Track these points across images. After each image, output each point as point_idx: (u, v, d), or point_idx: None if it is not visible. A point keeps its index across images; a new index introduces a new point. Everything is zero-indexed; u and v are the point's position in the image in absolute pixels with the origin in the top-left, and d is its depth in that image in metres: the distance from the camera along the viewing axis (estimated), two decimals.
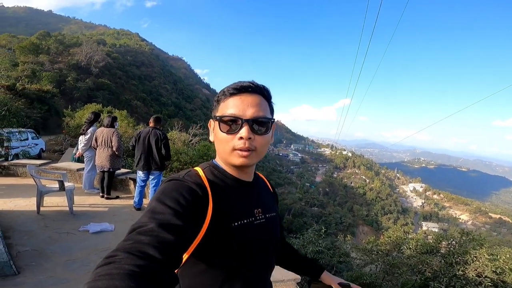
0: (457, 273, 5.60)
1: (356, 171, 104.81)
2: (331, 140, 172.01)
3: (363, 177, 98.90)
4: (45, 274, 2.69)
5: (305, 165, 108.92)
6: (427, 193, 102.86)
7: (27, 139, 11.85)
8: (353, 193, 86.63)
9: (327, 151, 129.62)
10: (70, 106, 23.22)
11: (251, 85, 0.80)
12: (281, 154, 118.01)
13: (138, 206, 4.86)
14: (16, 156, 10.56)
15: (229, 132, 0.77)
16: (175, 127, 21.47)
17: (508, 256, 7.00)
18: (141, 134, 4.82)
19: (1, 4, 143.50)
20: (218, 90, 0.89)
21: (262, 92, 0.82)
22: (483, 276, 5.83)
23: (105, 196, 5.27)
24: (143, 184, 4.85)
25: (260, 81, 0.83)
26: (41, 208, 4.52)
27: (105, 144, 5.10)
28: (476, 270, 6.03)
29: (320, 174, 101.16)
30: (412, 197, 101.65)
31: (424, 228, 76.02)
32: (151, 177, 4.86)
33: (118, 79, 49.57)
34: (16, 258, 2.95)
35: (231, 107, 0.78)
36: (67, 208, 4.42)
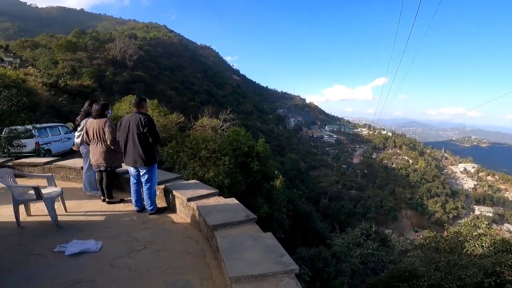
0: None
1: (398, 152, 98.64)
2: (368, 119, 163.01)
3: (406, 157, 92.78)
4: None
5: (341, 146, 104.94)
6: (480, 174, 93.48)
7: (58, 134, 11.99)
8: (394, 174, 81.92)
9: (365, 131, 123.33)
10: (109, 100, 24.24)
11: None
12: (315, 136, 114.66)
13: (138, 208, 4.16)
14: (49, 151, 10.90)
15: None
16: (205, 113, 21.50)
17: None
18: (122, 122, 3.97)
19: (35, 5, 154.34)
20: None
21: None
22: None
23: (106, 200, 4.50)
24: (135, 181, 4.10)
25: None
26: (29, 219, 3.89)
27: (97, 137, 4.26)
28: None
29: (358, 155, 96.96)
30: (462, 178, 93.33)
31: (477, 212, 69.77)
32: (141, 173, 4.02)
33: (152, 70, 51.05)
34: None
35: None
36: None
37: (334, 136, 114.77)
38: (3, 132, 8.22)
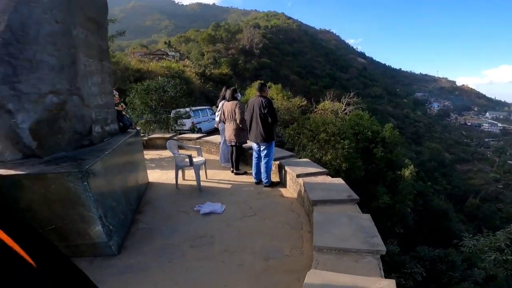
0: None
1: None
2: None
3: None
4: (137, 258, 2.67)
5: (509, 138, 79.21)
6: None
7: (206, 115, 14.95)
8: None
9: None
10: (242, 85, 27.60)
11: None
12: (469, 124, 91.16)
13: (256, 180, 4.71)
14: (200, 130, 13.52)
15: None
16: (327, 97, 20.99)
17: None
18: (248, 104, 4.64)
19: (181, 3, 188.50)
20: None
21: None
22: None
23: (234, 171, 5.30)
24: (256, 156, 4.68)
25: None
26: (183, 182, 4.83)
27: (230, 117, 5.04)
28: None
29: None
30: None
31: None
32: (261, 148, 4.57)
33: (276, 57, 53.70)
34: (132, 235, 3.06)
35: None
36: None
37: (499, 124, 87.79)
38: (172, 113, 10.83)
